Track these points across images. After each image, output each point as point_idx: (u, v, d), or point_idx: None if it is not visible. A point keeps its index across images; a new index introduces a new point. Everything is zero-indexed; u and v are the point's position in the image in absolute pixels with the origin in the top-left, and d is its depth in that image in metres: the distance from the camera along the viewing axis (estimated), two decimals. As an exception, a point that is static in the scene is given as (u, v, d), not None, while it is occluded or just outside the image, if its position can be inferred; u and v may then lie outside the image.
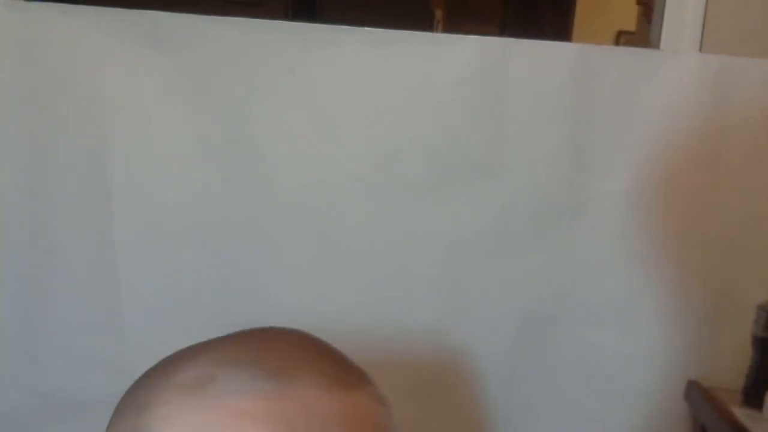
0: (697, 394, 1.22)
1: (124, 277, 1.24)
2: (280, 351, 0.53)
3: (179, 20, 1.18)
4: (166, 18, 1.18)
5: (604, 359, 1.27)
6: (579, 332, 1.26)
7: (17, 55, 1.18)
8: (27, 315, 1.25)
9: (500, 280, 1.25)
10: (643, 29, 1.77)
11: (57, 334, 1.25)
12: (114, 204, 1.22)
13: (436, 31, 3.15)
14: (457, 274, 1.25)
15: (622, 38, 3.09)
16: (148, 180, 1.22)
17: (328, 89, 1.20)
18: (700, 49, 1.29)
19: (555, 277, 1.26)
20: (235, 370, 0.50)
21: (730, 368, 1.23)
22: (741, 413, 1.13)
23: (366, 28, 1.19)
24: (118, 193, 1.21)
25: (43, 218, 1.22)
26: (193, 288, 1.24)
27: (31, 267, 1.24)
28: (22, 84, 1.19)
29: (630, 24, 2.41)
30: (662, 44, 1.32)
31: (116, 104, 1.19)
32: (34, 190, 1.21)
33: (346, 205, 1.23)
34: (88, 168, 1.21)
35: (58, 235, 1.22)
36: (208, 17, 1.17)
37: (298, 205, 1.23)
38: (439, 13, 3.41)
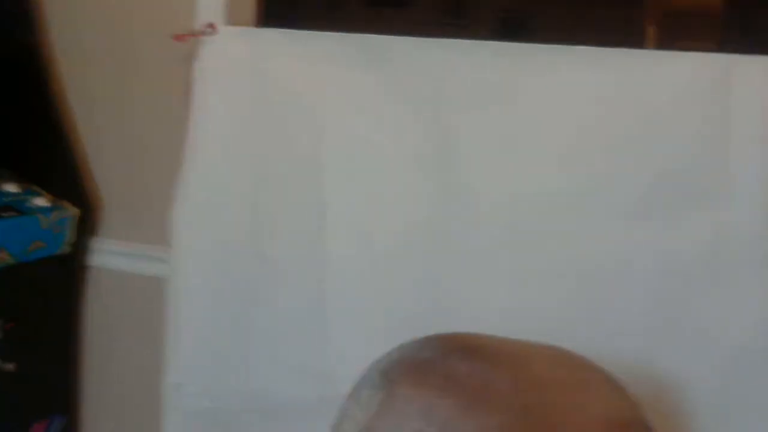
0: None
1: (331, 286, 1.28)
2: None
3: (393, 42, 1.22)
4: (380, 40, 1.22)
5: None
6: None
7: (246, 75, 1.28)
8: (239, 320, 1.33)
9: (718, 310, 1.16)
10: None
11: (266, 340, 1.32)
12: (328, 218, 1.27)
13: (648, 48, 3.02)
14: (670, 303, 1.18)
15: None
16: (360, 197, 1.27)
17: (537, 108, 1.19)
18: None
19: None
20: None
21: None
22: None
23: (577, 47, 1.17)
24: (332, 208, 1.27)
25: (263, 228, 1.30)
26: (401, 305, 1.26)
27: (247, 275, 1.32)
28: (250, 101, 1.28)
29: None
30: None
31: (333, 122, 1.26)
32: (255, 199, 1.30)
33: (553, 225, 1.20)
34: (306, 182, 1.28)
35: (275, 246, 1.30)
36: (422, 39, 1.20)
37: (501, 223, 1.22)
38: (651, 30, 3.28)
